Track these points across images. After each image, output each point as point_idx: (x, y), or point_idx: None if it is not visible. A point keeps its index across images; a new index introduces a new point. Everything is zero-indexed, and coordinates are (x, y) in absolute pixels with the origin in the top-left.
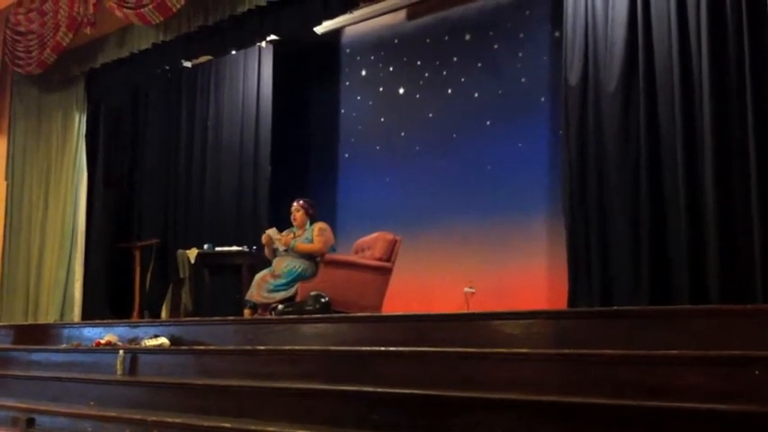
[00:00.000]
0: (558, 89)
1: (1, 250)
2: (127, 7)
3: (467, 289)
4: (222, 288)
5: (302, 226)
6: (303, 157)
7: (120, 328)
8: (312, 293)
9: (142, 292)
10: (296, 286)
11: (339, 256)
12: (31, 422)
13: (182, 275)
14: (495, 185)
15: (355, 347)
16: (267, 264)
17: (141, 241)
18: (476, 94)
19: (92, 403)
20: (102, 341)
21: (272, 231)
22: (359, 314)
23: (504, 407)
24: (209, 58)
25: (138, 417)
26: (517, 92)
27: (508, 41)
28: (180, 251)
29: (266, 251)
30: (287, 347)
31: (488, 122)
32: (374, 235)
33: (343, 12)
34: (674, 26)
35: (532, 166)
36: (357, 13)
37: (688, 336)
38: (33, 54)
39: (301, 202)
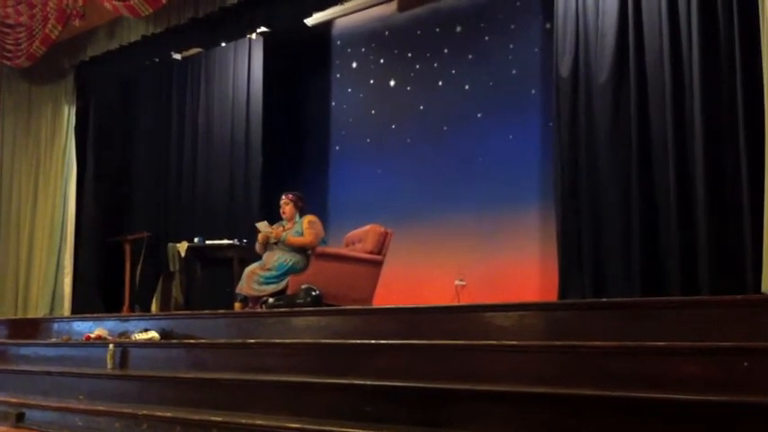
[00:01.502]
0: (549, 81)
1: None
2: None
3: (458, 281)
4: (213, 281)
5: (291, 219)
6: (294, 150)
7: (110, 322)
8: (303, 286)
9: (132, 286)
10: (287, 279)
11: (330, 249)
12: (21, 416)
13: (172, 269)
14: (487, 178)
15: (347, 340)
16: (258, 257)
17: (131, 235)
18: (467, 86)
19: (82, 397)
20: (93, 335)
21: (261, 225)
22: (350, 307)
23: (496, 398)
24: (199, 50)
25: (128, 411)
26: (508, 84)
27: (499, 33)
28: (170, 244)
29: (258, 247)
30: (278, 341)
31: (479, 114)
32: (365, 228)
33: (333, 3)
34: (664, 16)
35: (524, 158)
36: (348, 5)
37: (679, 327)
38: (22, 47)
39: (290, 195)
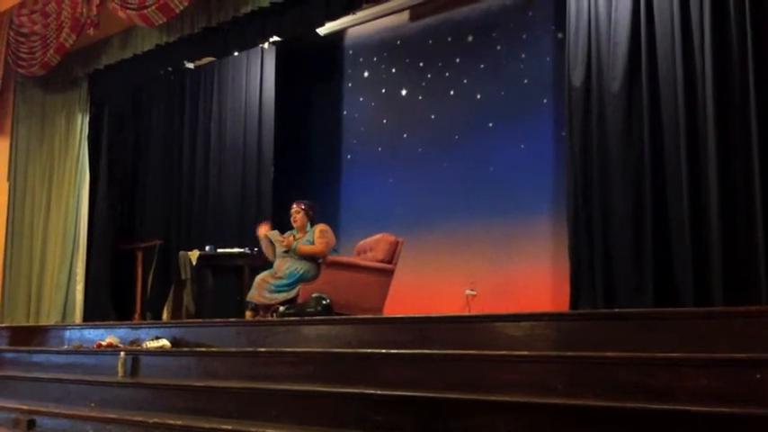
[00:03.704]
0: (560, 90)
1: (3, 251)
2: (130, 8)
3: (468, 291)
4: (224, 290)
5: (303, 228)
6: (305, 159)
7: (121, 330)
8: (314, 295)
9: (144, 294)
10: (297, 288)
11: (341, 257)
12: (32, 423)
13: (183, 277)
14: (498, 187)
15: (357, 349)
16: (269, 266)
17: (143, 242)
18: (478, 96)
19: (93, 405)
20: (104, 343)
21: (273, 234)
22: (360, 316)
23: (506, 409)
24: (211, 59)
25: (139, 419)
26: (520, 93)
27: (511, 43)
28: (182, 252)
29: (264, 248)
30: (288, 349)
31: (491, 124)
32: (376, 236)
33: (345, 13)
34: (677, 26)
35: (535, 167)
36: (360, 15)
37: (691, 338)
38: (37, 55)
39: (301, 204)
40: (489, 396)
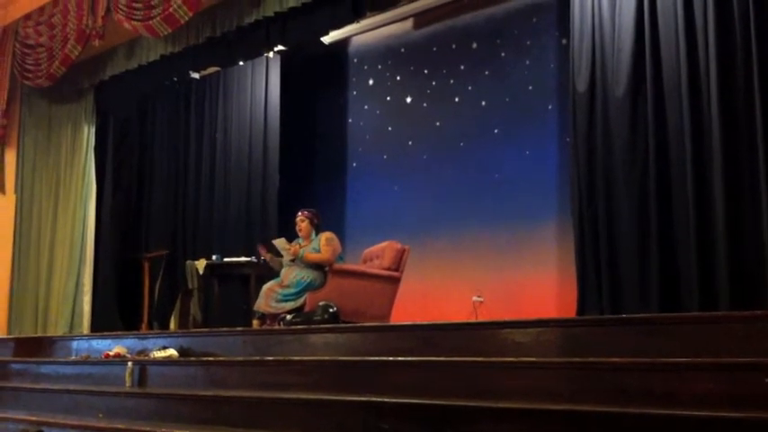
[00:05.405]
0: (565, 96)
1: (11, 262)
2: (135, 19)
3: (475, 298)
4: (231, 299)
5: (308, 236)
6: (311, 167)
7: (128, 340)
8: (321, 303)
9: (151, 304)
10: (304, 296)
11: (348, 265)
12: None
13: (190, 286)
14: (503, 193)
15: (364, 357)
16: (276, 274)
17: (150, 252)
18: (483, 102)
19: (101, 415)
20: (111, 353)
21: (279, 242)
22: (367, 324)
23: (512, 416)
24: (216, 69)
25: (147, 428)
26: (525, 99)
27: (515, 49)
28: (188, 262)
29: (269, 261)
30: (296, 358)
31: (496, 130)
32: (382, 244)
33: (350, 21)
34: (681, 31)
35: (540, 173)
36: (364, 23)
37: (697, 343)
38: (42, 67)
39: (306, 212)
40: (496, 403)
